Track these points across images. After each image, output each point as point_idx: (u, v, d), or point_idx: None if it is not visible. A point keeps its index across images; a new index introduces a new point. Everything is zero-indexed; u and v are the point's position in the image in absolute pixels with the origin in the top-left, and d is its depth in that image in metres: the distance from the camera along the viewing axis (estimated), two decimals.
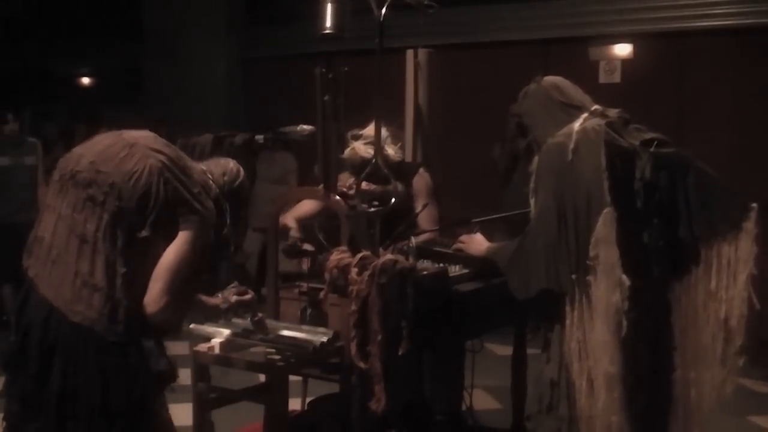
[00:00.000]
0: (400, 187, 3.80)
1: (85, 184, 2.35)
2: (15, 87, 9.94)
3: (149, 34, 8.93)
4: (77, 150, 2.48)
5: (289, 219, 3.85)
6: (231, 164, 2.73)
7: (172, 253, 2.33)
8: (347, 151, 3.73)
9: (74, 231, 2.32)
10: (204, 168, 2.60)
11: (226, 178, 2.66)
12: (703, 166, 2.73)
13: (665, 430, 2.74)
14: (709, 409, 2.74)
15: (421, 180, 3.91)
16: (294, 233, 3.68)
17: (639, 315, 2.52)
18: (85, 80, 11.61)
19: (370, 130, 3.59)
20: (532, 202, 2.90)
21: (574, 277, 2.52)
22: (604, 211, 2.50)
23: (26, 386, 2.33)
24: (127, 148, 2.39)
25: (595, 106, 2.79)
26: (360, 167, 3.48)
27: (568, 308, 2.55)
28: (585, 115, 2.73)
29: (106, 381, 2.27)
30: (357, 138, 3.72)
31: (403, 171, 3.72)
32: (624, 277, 2.48)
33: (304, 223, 3.79)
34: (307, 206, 3.80)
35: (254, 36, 8.97)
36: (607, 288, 2.48)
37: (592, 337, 2.52)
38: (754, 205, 2.67)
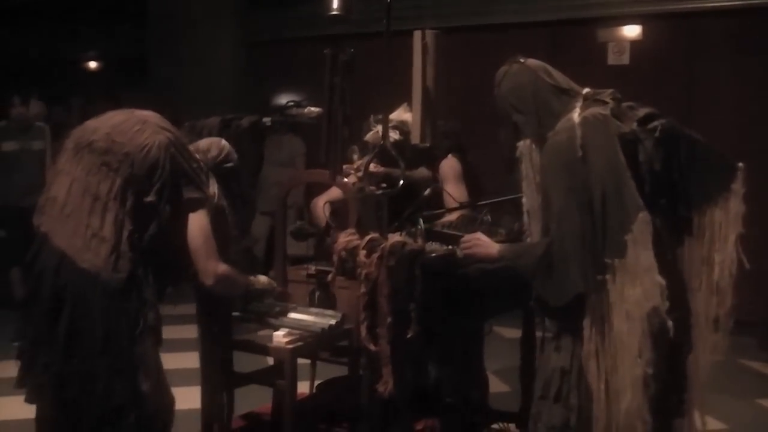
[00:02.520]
0: (425, 171, 3.80)
1: (101, 151, 2.65)
2: (22, 72, 9.93)
3: (155, 18, 8.90)
4: (91, 123, 2.76)
5: (321, 200, 3.86)
6: (217, 141, 3.01)
7: (194, 228, 2.65)
8: (370, 135, 3.74)
9: (88, 191, 2.61)
10: (167, 125, 2.82)
11: (210, 154, 2.93)
12: (690, 133, 2.68)
13: (681, 410, 2.72)
14: (706, 379, 2.72)
15: (447, 164, 3.91)
16: (321, 214, 3.68)
17: (677, 315, 2.50)
18: (92, 65, 11.60)
19: (396, 114, 3.60)
20: (525, 190, 2.87)
21: (599, 278, 2.47)
22: (641, 215, 2.44)
23: (38, 326, 2.58)
24: (140, 124, 2.70)
25: (586, 90, 2.72)
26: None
27: (589, 309, 2.52)
28: (579, 102, 2.67)
29: (108, 322, 2.52)
30: (381, 122, 3.72)
31: (429, 155, 3.72)
32: (660, 278, 2.44)
33: (335, 206, 3.79)
34: (338, 190, 3.80)
35: (260, 19, 8.94)
36: (642, 291, 2.43)
37: (619, 341, 2.48)
38: (741, 164, 2.66)
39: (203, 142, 2.98)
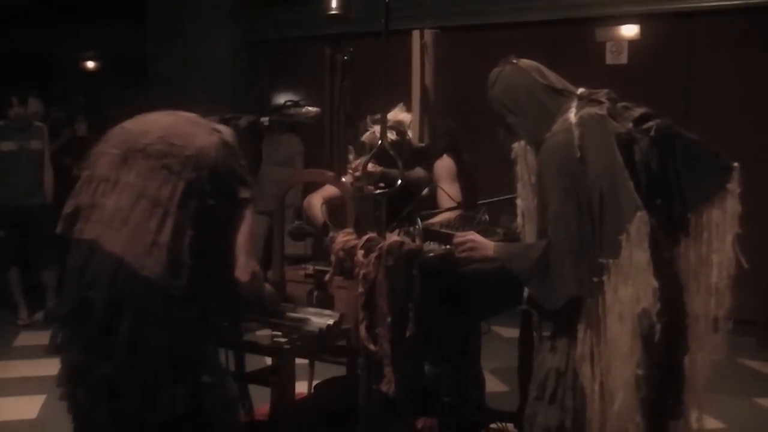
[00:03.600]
0: (420, 171, 3.81)
1: (159, 155, 2.54)
2: (19, 71, 9.92)
3: (153, 17, 8.91)
4: (136, 127, 2.66)
5: (316, 198, 3.86)
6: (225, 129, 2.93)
7: (246, 227, 2.59)
8: (367, 135, 3.74)
9: (145, 196, 2.50)
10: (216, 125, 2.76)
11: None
12: (685, 133, 2.68)
13: (678, 412, 2.72)
14: (705, 380, 2.72)
15: (442, 164, 3.92)
16: (319, 213, 3.69)
17: (671, 317, 2.50)
18: (90, 64, 11.60)
19: (392, 114, 3.60)
20: (519, 188, 2.87)
21: (595, 279, 2.47)
22: (638, 214, 2.44)
23: (90, 336, 2.47)
24: (194, 126, 2.64)
25: (580, 90, 2.72)
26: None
27: (585, 310, 2.50)
28: (574, 102, 2.66)
29: (170, 331, 2.44)
30: (378, 122, 3.72)
31: (425, 155, 3.73)
32: (653, 280, 2.44)
33: (331, 204, 3.80)
34: (333, 188, 3.81)
35: (259, 18, 8.94)
36: (634, 292, 2.43)
37: (612, 342, 2.48)
38: (736, 164, 2.66)
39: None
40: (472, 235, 2.90)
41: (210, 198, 2.52)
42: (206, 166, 2.53)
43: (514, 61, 2.77)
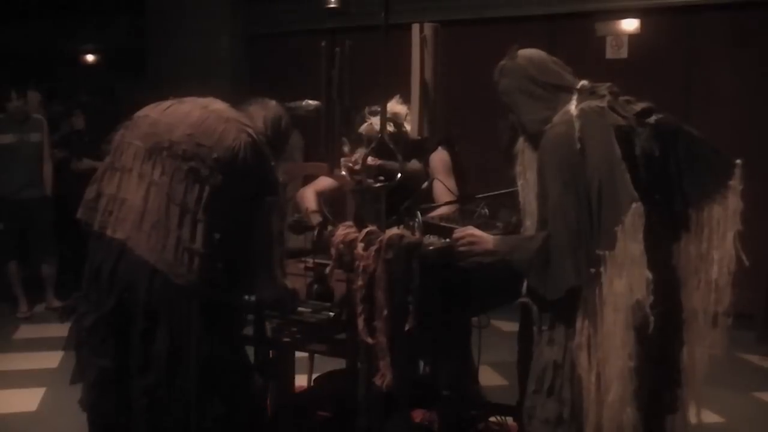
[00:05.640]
0: (417, 164, 3.81)
1: (185, 156, 2.48)
2: (18, 64, 9.90)
3: (153, 10, 8.89)
4: (162, 118, 2.58)
5: (309, 191, 3.86)
6: (272, 105, 2.90)
7: (270, 233, 2.55)
8: (364, 127, 3.74)
9: (173, 200, 2.45)
10: (246, 121, 2.68)
11: (268, 122, 2.81)
12: (688, 129, 2.68)
13: (675, 406, 2.73)
14: (704, 375, 2.73)
15: (437, 157, 3.91)
16: (312, 206, 3.69)
17: (662, 307, 2.50)
18: (89, 58, 11.58)
19: (389, 106, 3.60)
20: (520, 184, 2.87)
21: (593, 271, 2.48)
22: (633, 205, 2.43)
23: (129, 344, 2.43)
24: (223, 123, 2.54)
25: (582, 83, 2.71)
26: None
27: (582, 302, 2.50)
28: (575, 95, 2.65)
29: (209, 337, 2.43)
30: (375, 114, 3.72)
31: (421, 148, 3.73)
32: (647, 272, 2.43)
33: (324, 197, 3.81)
34: (327, 180, 3.82)
35: (259, 12, 8.93)
36: (626, 283, 2.44)
37: (607, 332, 2.48)
38: (739, 161, 2.66)
39: (257, 113, 2.87)
40: (471, 230, 2.89)
41: (238, 201, 2.48)
42: (235, 169, 2.48)
43: (515, 55, 2.77)
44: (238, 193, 2.48)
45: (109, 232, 2.47)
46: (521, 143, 2.89)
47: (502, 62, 2.80)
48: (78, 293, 2.60)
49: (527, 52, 2.78)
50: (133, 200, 2.47)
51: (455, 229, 2.99)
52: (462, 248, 2.89)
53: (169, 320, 2.40)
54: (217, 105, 2.64)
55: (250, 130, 2.57)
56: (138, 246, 2.43)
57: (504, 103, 2.78)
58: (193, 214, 2.43)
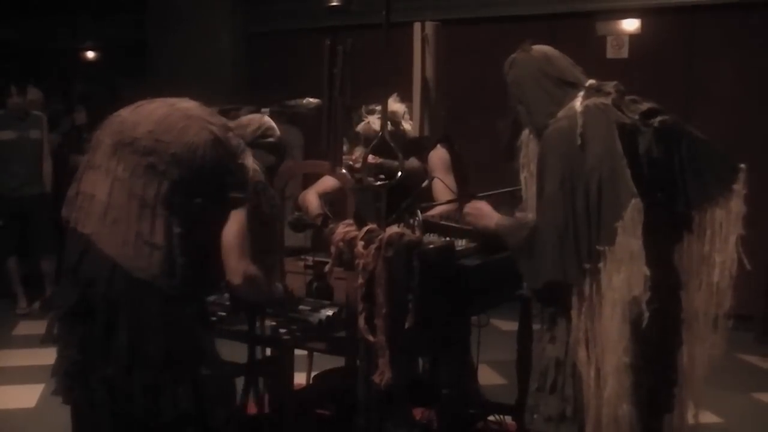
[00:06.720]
0: (415, 162, 3.81)
1: (145, 151, 2.51)
2: (19, 61, 9.90)
3: (154, 7, 8.88)
4: (129, 116, 2.62)
5: (311, 193, 3.87)
6: (258, 117, 2.96)
7: (232, 225, 2.52)
8: (362, 125, 3.75)
9: (134, 194, 2.48)
10: (213, 119, 2.71)
11: (249, 129, 2.87)
12: (692, 131, 2.68)
13: (671, 405, 2.74)
14: (703, 377, 2.73)
15: (436, 155, 3.92)
16: (315, 209, 3.70)
17: (660, 304, 2.50)
18: (90, 54, 11.57)
19: (388, 104, 3.60)
20: (522, 180, 2.89)
21: (587, 266, 2.49)
22: (633, 201, 2.43)
23: (90, 337, 2.47)
24: (185, 119, 2.57)
25: (590, 81, 2.72)
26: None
27: (575, 298, 2.51)
28: (582, 92, 2.66)
29: (168, 331, 2.44)
30: (372, 113, 3.73)
31: (419, 146, 3.73)
32: (645, 268, 2.43)
33: (326, 198, 3.81)
34: (329, 181, 3.81)
35: (259, 9, 8.93)
36: (624, 279, 2.44)
37: (604, 328, 2.49)
38: (743, 165, 2.66)
39: (245, 118, 2.93)
40: (482, 204, 2.98)
41: (197, 196, 2.50)
42: (193, 164, 2.50)
43: (528, 48, 2.78)
44: (199, 189, 2.50)
45: (79, 228, 2.53)
46: (526, 135, 2.90)
47: (514, 54, 2.81)
48: (55, 288, 2.63)
49: (541, 47, 2.80)
50: (99, 196, 2.51)
51: (457, 227, 3.02)
52: (468, 217, 3.00)
53: (129, 313, 2.43)
54: (185, 104, 2.66)
55: (213, 128, 2.57)
56: (101, 240, 2.47)
57: (512, 93, 2.79)
58: (152, 209, 2.46)
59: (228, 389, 2.63)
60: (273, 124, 2.97)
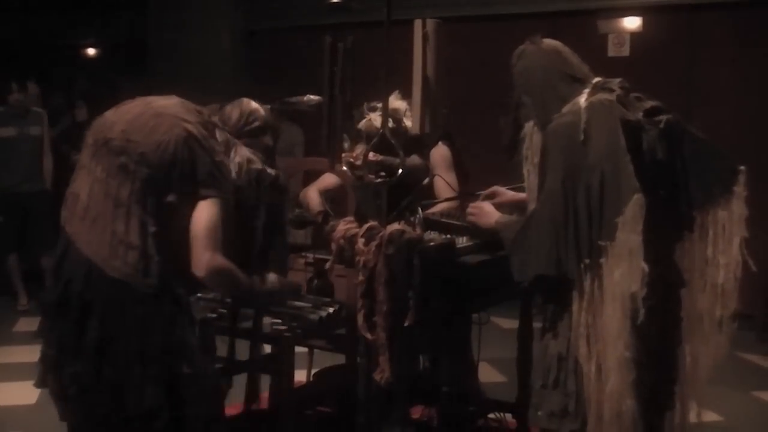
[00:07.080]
0: (416, 159, 3.80)
1: (117, 152, 2.52)
2: (19, 58, 9.90)
3: (154, 3, 8.88)
4: (110, 116, 2.64)
5: (312, 191, 3.86)
6: (239, 103, 2.91)
7: (200, 218, 2.49)
8: (363, 123, 3.74)
9: (109, 194, 2.50)
10: (217, 120, 2.73)
11: (232, 120, 2.85)
12: (693, 131, 2.68)
13: (671, 402, 2.73)
14: (706, 377, 2.73)
15: (437, 153, 3.91)
16: (316, 205, 3.70)
17: (657, 301, 2.50)
18: (90, 51, 11.57)
19: (389, 101, 3.60)
20: (525, 172, 2.89)
21: (587, 261, 2.48)
22: (635, 196, 2.43)
23: (64, 333, 2.50)
24: (155, 118, 2.56)
25: (596, 78, 2.72)
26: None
27: (576, 293, 2.51)
28: (587, 89, 2.67)
29: (142, 329, 2.44)
30: (374, 110, 3.72)
31: (420, 143, 3.72)
32: (644, 264, 2.43)
33: (327, 195, 3.81)
34: (330, 178, 3.81)
35: (260, 7, 8.92)
36: (624, 274, 2.44)
37: (605, 323, 2.49)
38: (743, 167, 2.66)
39: (228, 108, 2.89)
40: (484, 204, 2.99)
41: (169, 194, 2.49)
42: (163, 163, 2.49)
43: (538, 41, 2.78)
44: (172, 187, 2.50)
45: (66, 227, 2.57)
46: (529, 127, 2.89)
47: (523, 46, 2.81)
48: (44, 288, 2.71)
49: (551, 41, 2.80)
50: (82, 196, 2.55)
51: (457, 225, 3.02)
52: (470, 217, 3.01)
53: (102, 312, 2.44)
54: (162, 102, 2.64)
55: (188, 125, 2.54)
56: (79, 240, 2.50)
57: (518, 85, 2.79)
58: (126, 208, 2.47)
59: (210, 388, 2.60)
60: (255, 105, 2.91)
